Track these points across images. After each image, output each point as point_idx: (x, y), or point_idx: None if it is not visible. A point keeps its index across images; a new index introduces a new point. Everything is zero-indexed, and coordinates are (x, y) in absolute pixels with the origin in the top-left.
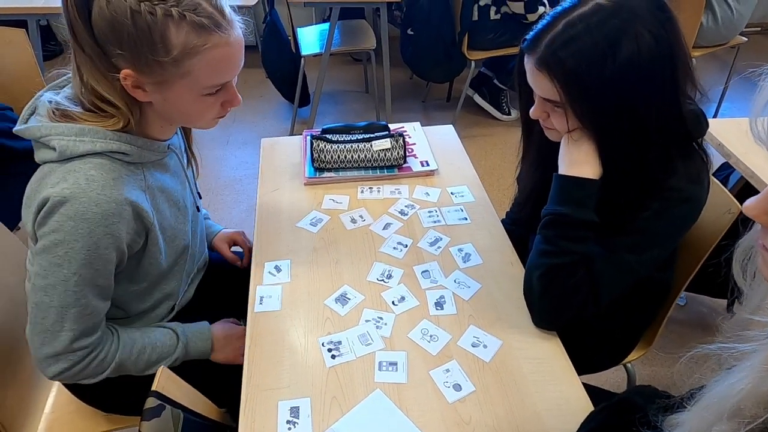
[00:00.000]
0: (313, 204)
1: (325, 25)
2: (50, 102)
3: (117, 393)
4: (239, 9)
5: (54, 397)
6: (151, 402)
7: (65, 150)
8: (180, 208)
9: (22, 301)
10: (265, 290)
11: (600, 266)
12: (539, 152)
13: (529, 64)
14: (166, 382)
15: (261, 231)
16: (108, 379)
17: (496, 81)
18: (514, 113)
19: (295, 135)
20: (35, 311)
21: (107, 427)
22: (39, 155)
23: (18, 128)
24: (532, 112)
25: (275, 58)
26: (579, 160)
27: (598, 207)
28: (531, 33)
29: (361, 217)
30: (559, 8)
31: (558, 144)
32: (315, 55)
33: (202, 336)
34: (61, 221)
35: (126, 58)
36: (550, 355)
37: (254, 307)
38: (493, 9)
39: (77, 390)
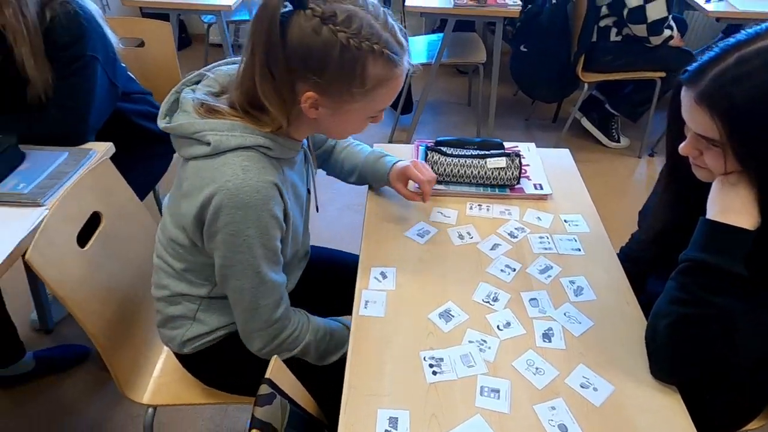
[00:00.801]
0: (421, 215)
1: (435, 36)
2: (193, 98)
3: (224, 371)
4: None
5: (162, 362)
6: (264, 389)
7: (219, 145)
8: (300, 203)
9: (148, 272)
10: (370, 295)
11: (741, 324)
12: (682, 191)
13: (687, 96)
14: (277, 371)
15: (369, 235)
16: (218, 357)
17: (607, 106)
18: (624, 141)
19: (396, 143)
20: (234, 295)
21: (206, 400)
22: (189, 151)
23: (166, 125)
24: (682, 148)
25: None
26: (734, 207)
27: (747, 259)
28: (694, 64)
29: (468, 234)
30: (731, 40)
31: (706, 184)
32: (423, 65)
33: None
34: (232, 213)
35: (315, 83)
36: (667, 410)
37: (359, 309)
38: (614, 30)
39: (187, 361)
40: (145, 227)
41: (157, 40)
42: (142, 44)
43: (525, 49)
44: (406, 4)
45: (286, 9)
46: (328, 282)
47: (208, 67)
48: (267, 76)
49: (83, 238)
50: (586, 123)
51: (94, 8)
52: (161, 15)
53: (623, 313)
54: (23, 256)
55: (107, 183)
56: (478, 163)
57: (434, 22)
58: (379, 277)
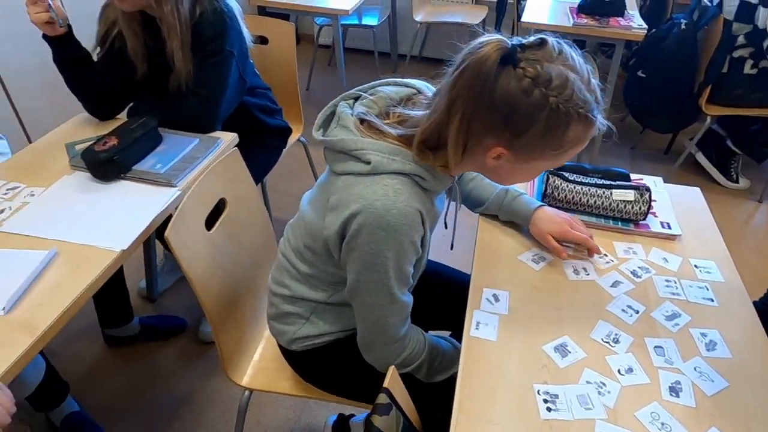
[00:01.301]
0: (536, 240)
1: None
2: (354, 114)
3: (326, 372)
4: (460, 26)
5: (262, 348)
6: (382, 399)
7: (379, 165)
8: (433, 229)
9: (259, 260)
10: (482, 316)
11: None
12: None
13: None
14: (394, 382)
15: (481, 255)
16: (324, 358)
17: (729, 142)
18: (743, 182)
19: None
20: (362, 309)
21: (300, 393)
22: (344, 166)
23: (323, 138)
24: None
25: None
26: None
27: None
28: None
29: (584, 269)
30: None
31: None
32: None
33: None
34: (375, 232)
35: (509, 141)
36: None
37: (470, 330)
38: (749, 63)
39: (292, 356)
40: (259, 216)
41: (280, 38)
42: (265, 41)
43: (643, 75)
44: (522, 20)
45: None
46: (436, 296)
47: (367, 85)
48: (461, 127)
49: (208, 222)
50: (701, 159)
51: (236, 6)
52: (277, 14)
53: (764, 378)
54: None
55: (234, 172)
56: (603, 193)
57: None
58: (492, 299)
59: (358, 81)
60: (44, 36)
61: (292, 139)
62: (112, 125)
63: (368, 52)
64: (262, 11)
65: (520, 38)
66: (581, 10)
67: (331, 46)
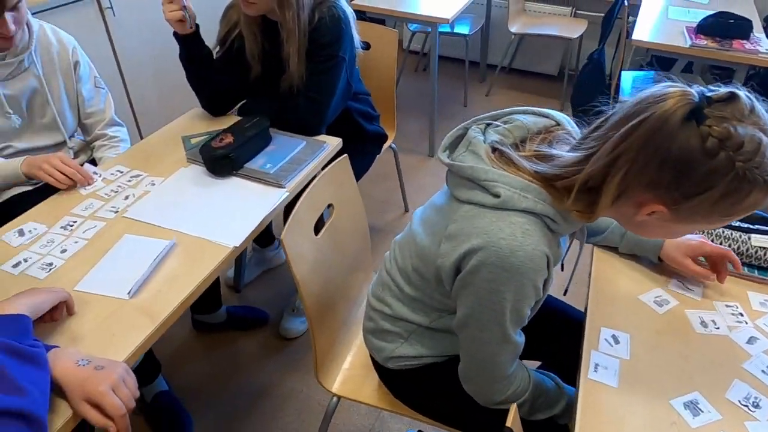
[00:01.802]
0: (659, 279)
1: (642, 73)
2: (487, 141)
3: (419, 393)
4: (555, 39)
5: (353, 356)
6: None
7: (508, 201)
8: None
9: (356, 266)
10: (601, 358)
11: None
12: None
13: None
14: (515, 422)
15: (597, 290)
16: (418, 379)
17: None
18: None
19: None
20: (470, 343)
21: (388, 407)
22: (469, 195)
23: (455, 163)
24: None
25: (588, 97)
26: None
27: None
28: None
29: (713, 321)
30: None
31: None
32: None
33: None
34: (496, 272)
35: (674, 200)
36: None
37: (587, 371)
38: None
39: (385, 373)
40: (360, 223)
41: (382, 45)
42: (367, 47)
43: None
44: (633, 37)
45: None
46: (543, 328)
47: (502, 111)
48: (622, 179)
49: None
50: None
51: (351, 12)
52: (372, 19)
53: None
54: None
55: (342, 178)
56: (740, 237)
57: (644, 56)
58: (611, 340)
59: (446, 89)
60: (174, 33)
61: (384, 145)
62: (224, 121)
63: (457, 60)
64: (361, 16)
65: (703, 89)
66: (701, 30)
67: (419, 52)
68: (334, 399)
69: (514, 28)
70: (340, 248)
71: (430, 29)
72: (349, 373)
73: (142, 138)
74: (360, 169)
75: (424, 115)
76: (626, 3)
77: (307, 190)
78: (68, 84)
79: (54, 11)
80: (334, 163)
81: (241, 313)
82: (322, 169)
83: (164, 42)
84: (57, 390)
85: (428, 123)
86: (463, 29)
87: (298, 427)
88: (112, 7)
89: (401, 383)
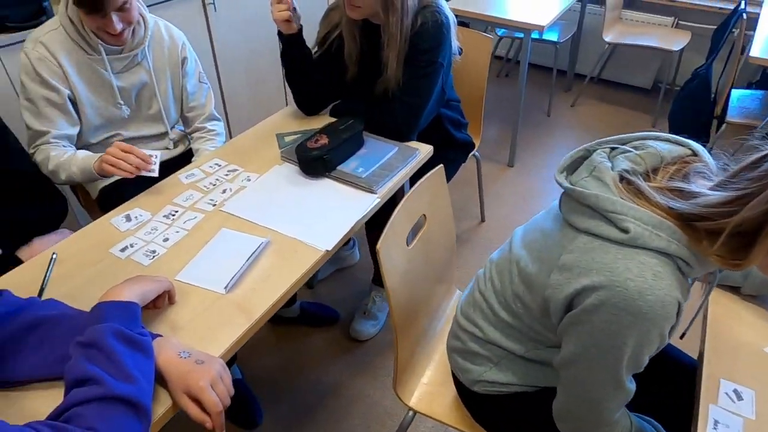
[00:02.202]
0: None
1: (749, 92)
2: (615, 168)
3: (502, 420)
4: (653, 50)
5: (432, 370)
6: None
7: (638, 238)
8: None
9: (442, 278)
10: (721, 415)
11: None
12: None
13: None
14: None
15: (714, 337)
16: (503, 407)
17: None
18: None
19: None
20: (574, 383)
21: (466, 429)
22: (590, 225)
23: (576, 188)
24: None
25: (691, 116)
26: None
27: None
28: None
29: None
30: None
31: None
32: (745, 125)
33: None
34: (619, 314)
35: None
36: None
37: (705, 427)
38: None
39: (469, 396)
40: (449, 235)
41: (476, 51)
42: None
43: None
44: (750, 54)
45: None
46: (650, 371)
47: (631, 135)
48: None
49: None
50: None
51: (452, 17)
52: (460, 23)
53: None
54: None
55: (436, 188)
56: None
57: (752, 74)
58: (732, 395)
59: (531, 97)
60: (279, 33)
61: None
62: (316, 120)
63: (543, 67)
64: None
65: None
66: None
67: (503, 58)
68: (410, 413)
69: (608, 37)
70: (429, 259)
71: (519, 35)
72: (428, 388)
73: (230, 133)
74: (446, 176)
75: (505, 122)
76: (744, 16)
77: (403, 199)
78: (175, 78)
79: (163, 5)
80: (430, 173)
81: (314, 310)
82: (414, 177)
83: (258, 39)
84: (158, 378)
85: (510, 131)
86: (551, 36)
87: (362, 429)
88: (214, 3)
89: (485, 408)
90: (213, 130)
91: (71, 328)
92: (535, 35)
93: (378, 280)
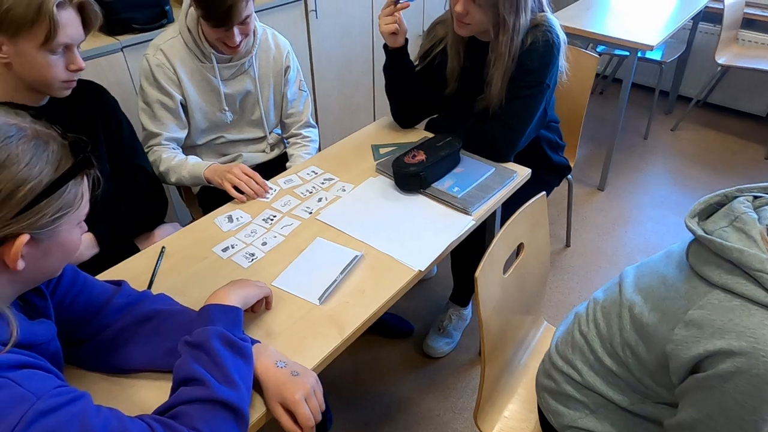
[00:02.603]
0: None
1: None
2: (758, 219)
3: None
4: None
5: (514, 404)
6: None
7: None
8: None
9: (532, 308)
10: None
11: None
12: None
13: None
14: None
15: None
16: None
17: None
18: None
19: None
20: None
21: None
22: (728, 281)
23: (713, 239)
24: None
25: None
26: None
27: None
28: None
29: None
30: None
31: None
32: None
33: None
34: (760, 387)
35: None
36: None
37: None
38: None
39: None
40: (543, 264)
41: (579, 70)
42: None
43: None
44: None
45: None
46: None
47: None
48: None
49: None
50: None
51: (563, 37)
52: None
53: None
54: None
55: (537, 217)
56: None
57: None
58: None
59: (627, 117)
60: (384, 45)
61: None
62: (410, 133)
63: (642, 87)
64: None
65: None
66: None
67: (599, 74)
68: None
69: (722, 59)
70: (522, 289)
71: (621, 52)
72: (509, 422)
73: (320, 140)
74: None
75: (598, 142)
76: None
77: (504, 227)
78: (277, 86)
79: (269, 11)
80: (533, 200)
81: (390, 321)
82: (515, 203)
83: (353, 48)
84: (255, 385)
85: (603, 153)
86: (656, 55)
87: None
88: (316, 10)
89: None
90: (308, 137)
91: (179, 324)
92: (639, 53)
93: (457, 298)
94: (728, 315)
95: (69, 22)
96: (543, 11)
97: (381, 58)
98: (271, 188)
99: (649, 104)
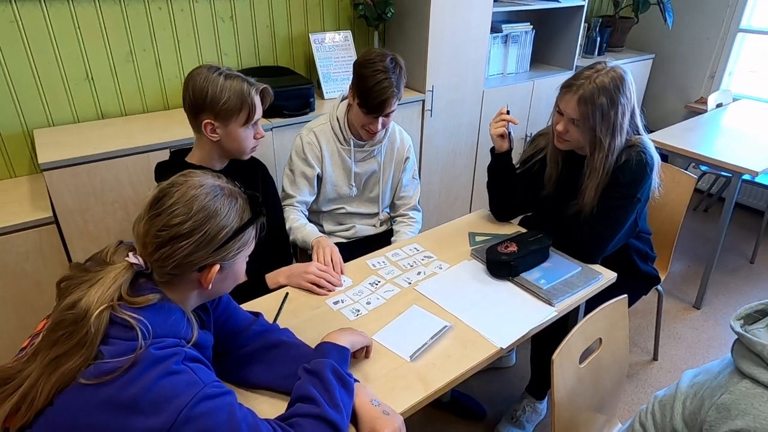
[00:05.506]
0: None
1: None
2: None
3: None
4: None
5: None
6: None
7: None
8: None
9: (605, 408)
10: None
11: None
12: None
13: None
14: None
15: None
16: None
17: None
18: None
19: None
20: None
21: None
22: (752, 370)
23: (748, 336)
24: None
25: None
26: None
27: None
28: None
29: None
30: None
31: None
32: None
33: None
34: None
35: None
36: None
37: None
38: None
39: None
40: (622, 367)
41: (676, 188)
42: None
43: None
44: None
45: None
46: None
47: None
48: None
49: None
50: None
51: (657, 158)
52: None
53: None
54: None
55: (616, 317)
56: None
57: None
58: None
59: (732, 238)
60: (491, 149)
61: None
62: (506, 226)
63: (750, 209)
64: None
65: None
66: None
67: (704, 191)
68: None
69: None
70: (597, 384)
71: (726, 174)
72: None
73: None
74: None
75: (697, 260)
76: None
77: (585, 318)
78: (396, 172)
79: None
80: (614, 300)
81: (465, 401)
82: (591, 299)
83: (459, 145)
84: (351, 417)
85: (701, 270)
86: (763, 179)
87: None
88: (431, 110)
89: None
90: (414, 218)
91: (298, 355)
92: (746, 177)
93: (533, 390)
94: (750, 400)
95: (258, 103)
96: (639, 134)
97: (483, 156)
98: (343, 282)
99: (757, 227)
